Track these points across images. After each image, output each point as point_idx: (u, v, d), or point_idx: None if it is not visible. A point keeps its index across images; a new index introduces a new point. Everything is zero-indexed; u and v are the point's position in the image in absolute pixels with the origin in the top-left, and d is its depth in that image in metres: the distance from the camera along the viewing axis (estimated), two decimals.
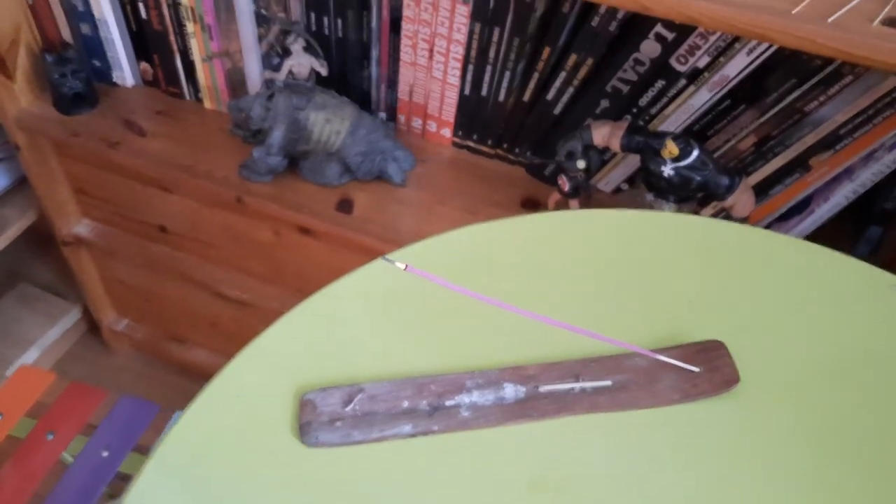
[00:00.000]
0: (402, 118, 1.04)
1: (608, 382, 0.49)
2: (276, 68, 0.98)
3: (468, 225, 0.57)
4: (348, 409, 0.47)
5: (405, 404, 0.47)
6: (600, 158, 0.92)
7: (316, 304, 0.52)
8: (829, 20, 0.61)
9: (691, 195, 0.81)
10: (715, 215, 0.86)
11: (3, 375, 1.33)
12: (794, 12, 0.61)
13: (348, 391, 0.48)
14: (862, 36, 0.61)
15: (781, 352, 0.50)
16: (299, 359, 0.49)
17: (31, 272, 1.52)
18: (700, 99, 0.84)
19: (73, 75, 1.05)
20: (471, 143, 1.03)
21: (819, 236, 0.87)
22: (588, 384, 0.48)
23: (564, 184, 0.88)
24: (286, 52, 0.94)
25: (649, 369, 0.49)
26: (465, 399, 0.48)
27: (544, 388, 0.48)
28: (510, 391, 0.48)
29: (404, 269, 0.40)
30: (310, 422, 0.46)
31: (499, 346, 0.50)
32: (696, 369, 0.49)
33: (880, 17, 0.62)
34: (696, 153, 0.78)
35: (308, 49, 0.93)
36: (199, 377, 1.39)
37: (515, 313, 0.43)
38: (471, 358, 0.50)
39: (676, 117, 0.86)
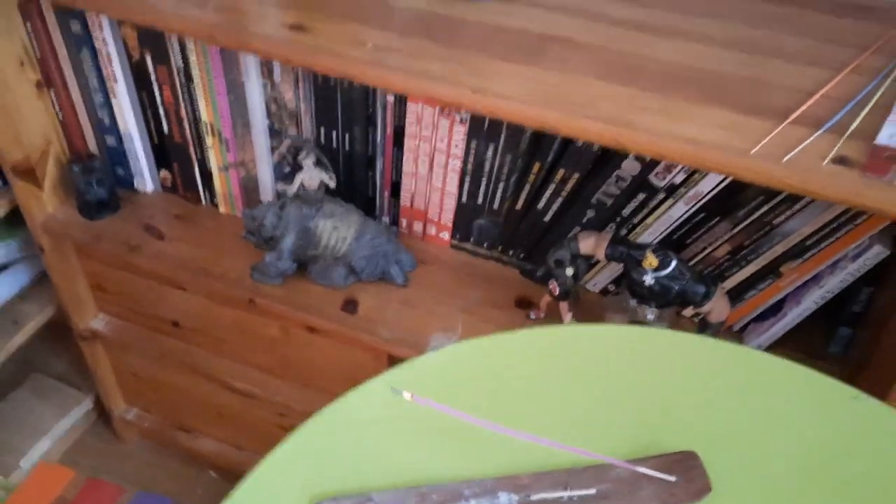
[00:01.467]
0: (403, 222, 1.12)
1: (593, 491, 0.52)
2: (288, 177, 1.06)
3: (468, 339, 0.61)
4: None
5: None
6: (587, 265, 0.98)
7: (327, 419, 0.56)
8: (784, 159, 0.67)
9: (671, 301, 0.87)
10: (693, 318, 0.92)
11: (16, 465, 1.36)
12: (752, 152, 0.67)
13: (358, 500, 0.51)
14: (813, 174, 0.66)
15: (750, 461, 0.54)
16: (312, 470, 0.53)
17: (44, 362, 1.55)
18: (678, 211, 0.91)
19: (98, 184, 1.12)
20: (468, 246, 1.10)
21: (793, 336, 0.93)
22: (575, 493, 0.52)
23: (555, 288, 0.94)
24: (298, 167, 1.01)
25: (630, 479, 0.53)
26: None
27: (536, 497, 0.52)
28: (504, 500, 0.52)
29: (410, 399, 0.46)
30: None
31: (494, 456, 0.54)
32: (672, 479, 0.52)
33: (830, 156, 0.67)
34: (674, 264, 0.84)
35: (318, 164, 1.01)
36: (206, 466, 1.43)
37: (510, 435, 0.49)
38: (468, 467, 0.53)
39: (657, 227, 0.93)
